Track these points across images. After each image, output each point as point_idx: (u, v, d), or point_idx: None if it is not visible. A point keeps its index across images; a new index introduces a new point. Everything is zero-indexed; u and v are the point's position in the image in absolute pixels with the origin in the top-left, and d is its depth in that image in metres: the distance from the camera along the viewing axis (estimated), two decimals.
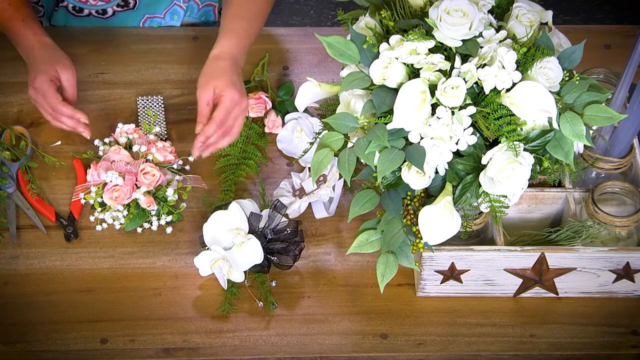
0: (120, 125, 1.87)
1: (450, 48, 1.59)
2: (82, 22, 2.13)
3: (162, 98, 2.00)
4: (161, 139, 1.89)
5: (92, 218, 1.81)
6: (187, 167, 1.89)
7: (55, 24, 2.13)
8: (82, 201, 1.82)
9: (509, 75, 1.56)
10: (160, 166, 1.82)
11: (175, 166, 1.86)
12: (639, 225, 1.74)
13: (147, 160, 1.82)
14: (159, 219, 1.81)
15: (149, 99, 1.99)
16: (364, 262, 1.80)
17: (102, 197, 1.80)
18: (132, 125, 1.87)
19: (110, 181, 1.78)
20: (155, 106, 1.98)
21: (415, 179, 1.60)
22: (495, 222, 1.68)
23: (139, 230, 1.81)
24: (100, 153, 1.86)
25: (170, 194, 1.80)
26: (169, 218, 1.81)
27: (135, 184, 1.79)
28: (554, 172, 1.65)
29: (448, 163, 1.60)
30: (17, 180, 1.88)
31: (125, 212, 1.80)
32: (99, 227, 1.81)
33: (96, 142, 1.87)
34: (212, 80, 1.83)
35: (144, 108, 1.98)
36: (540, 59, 1.59)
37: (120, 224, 1.80)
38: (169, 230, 1.80)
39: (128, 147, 1.86)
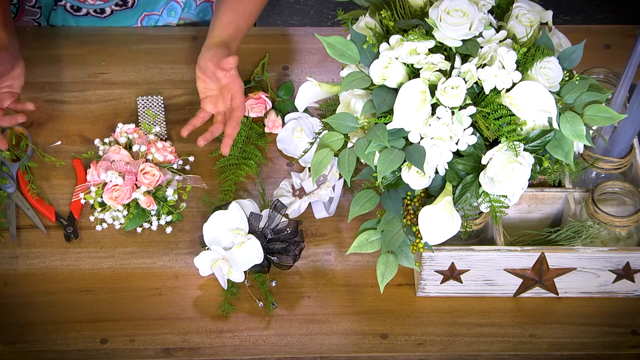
0: (120, 125, 1.87)
1: (450, 48, 1.59)
2: (80, 21, 2.12)
3: (162, 98, 2.00)
4: (161, 139, 1.89)
5: (92, 218, 1.81)
6: (187, 167, 1.89)
7: (53, 24, 2.13)
8: (82, 201, 1.82)
9: (509, 75, 1.56)
10: (160, 166, 1.82)
11: (175, 166, 1.86)
12: (639, 225, 1.74)
13: (147, 160, 1.82)
14: (158, 219, 1.81)
15: (149, 99, 1.99)
16: (364, 262, 1.80)
17: (102, 197, 1.80)
18: (132, 125, 1.87)
19: (110, 181, 1.78)
20: (155, 106, 1.98)
21: (415, 179, 1.60)
22: (495, 222, 1.68)
23: (139, 230, 1.81)
24: (100, 153, 1.86)
25: (170, 194, 1.80)
26: (169, 218, 1.81)
27: (135, 184, 1.79)
28: (554, 172, 1.65)
29: (448, 163, 1.60)
30: (17, 180, 1.88)
31: (125, 212, 1.80)
32: (98, 227, 1.81)
33: (96, 142, 1.87)
34: (222, 91, 1.91)
35: (144, 108, 1.98)
36: (540, 59, 1.59)
37: (120, 223, 1.80)
38: (168, 230, 1.80)
39: (128, 147, 1.86)
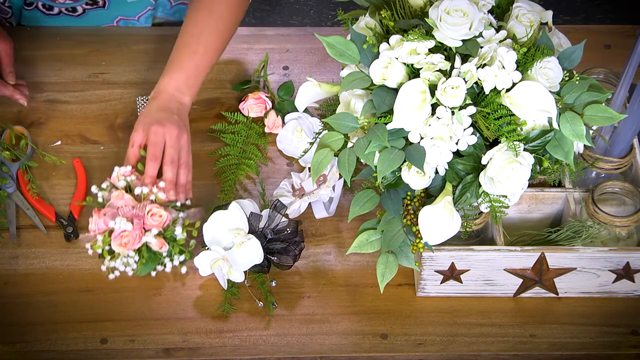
0: (116, 168, 1.78)
1: (450, 48, 1.59)
2: (53, 21, 2.11)
3: None
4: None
5: (103, 268, 1.72)
6: (188, 202, 1.81)
7: (26, 24, 2.11)
8: (90, 252, 1.74)
9: (509, 75, 1.56)
10: (163, 206, 1.75)
11: (178, 204, 1.79)
12: (639, 225, 1.74)
13: (151, 202, 1.75)
14: (172, 260, 1.74)
15: (148, 99, 1.99)
16: (364, 262, 1.80)
17: (109, 245, 1.72)
18: (129, 168, 1.77)
19: (119, 227, 1.71)
20: None
21: (415, 179, 1.60)
22: (495, 222, 1.68)
23: (153, 274, 1.74)
24: (100, 200, 1.77)
25: (179, 232, 1.73)
26: (182, 257, 1.74)
27: (143, 227, 1.72)
28: (554, 172, 1.66)
29: (448, 163, 1.60)
30: (17, 180, 1.88)
31: (137, 257, 1.72)
32: (111, 276, 1.72)
33: (93, 189, 1.77)
34: (140, 122, 1.82)
35: (143, 108, 1.98)
36: (540, 59, 1.59)
37: (132, 269, 1.72)
38: (184, 270, 1.74)
39: (128, 189, 1.77)
